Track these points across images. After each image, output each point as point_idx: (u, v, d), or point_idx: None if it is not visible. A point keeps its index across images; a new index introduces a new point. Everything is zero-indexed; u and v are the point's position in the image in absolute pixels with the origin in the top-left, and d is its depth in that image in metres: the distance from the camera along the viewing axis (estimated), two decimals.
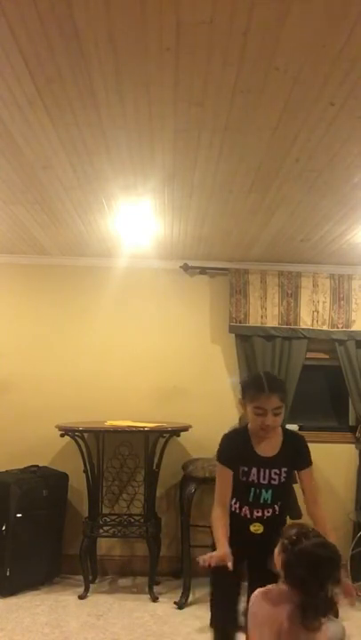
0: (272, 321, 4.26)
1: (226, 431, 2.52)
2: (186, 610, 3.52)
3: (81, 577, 3.78)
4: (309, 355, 4.32)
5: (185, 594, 3.61)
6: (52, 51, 1.81)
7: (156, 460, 3.86)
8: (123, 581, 4.01)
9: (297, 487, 3.92)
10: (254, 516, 2.31)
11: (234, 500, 2.33)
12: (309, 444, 2.49)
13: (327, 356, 4.42)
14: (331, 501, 4.27)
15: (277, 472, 2.32)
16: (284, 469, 2.33)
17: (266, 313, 4.28)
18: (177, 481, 4.14)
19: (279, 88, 1.97)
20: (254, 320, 4.26)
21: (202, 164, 2.60)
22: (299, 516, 3.84)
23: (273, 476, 2.30)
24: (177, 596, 3.62)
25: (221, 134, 2.31)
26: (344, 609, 3.54)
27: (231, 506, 2.33)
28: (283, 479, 2.32)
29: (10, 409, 4.23)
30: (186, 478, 3.88)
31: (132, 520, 3.84)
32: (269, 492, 2.30)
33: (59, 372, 4.28)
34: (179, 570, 3.90)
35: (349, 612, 3.51)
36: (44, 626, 3.21)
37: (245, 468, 2.30)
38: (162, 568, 3.94)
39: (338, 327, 4.28)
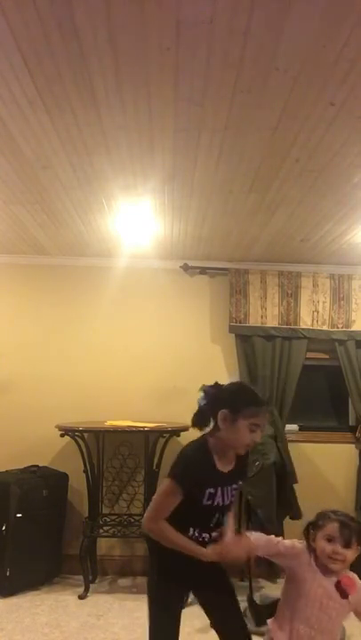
0: (272, 321, 4.26)
1: (184, 447, 2.22)
2: (186, 610, 3.50)
3: (81, 577, 3.78)
4: (309, 355, 4.32)
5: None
6: (52, 51, 1.81)
7: (156, 460, 3.86)
8: (123, 581, 4.01)
9: (299, 486, 3.94)
10: (211, 539, 2.06)
11: (192, 530, 2.03)
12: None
13: (327, 356, 4.42)
14: (331, 501, 4.26)
15: (235, 487, 2.11)
16: (236, 485, 2.12)
17: (266, 313, 4.28)
18: None
19: (279, 88, 1.97)
20: (254, 320, 4.26)
21: (202, 164, 2.60)
22: (299, 516, 3.85)
23: (232, 492, 2.09)
24: None
25: (221, 134, 2.31)
26: None
27: (187, 533, 2.02)
28: (234, 494, 2.13)
29: (10, 409, 4.22)
30: None
31: (132, 520, 3.84)
32: (226, 511, 2.09)
33: (59, 372, 4.28)
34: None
35: None
36: (43, 626, 3.21)
37: (212, 490, 2.02)
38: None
39: (338, 327, 4.28)
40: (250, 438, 2.02)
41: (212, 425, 2.15)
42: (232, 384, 2.32)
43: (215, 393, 2.20)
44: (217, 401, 2.14)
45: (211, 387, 2.25)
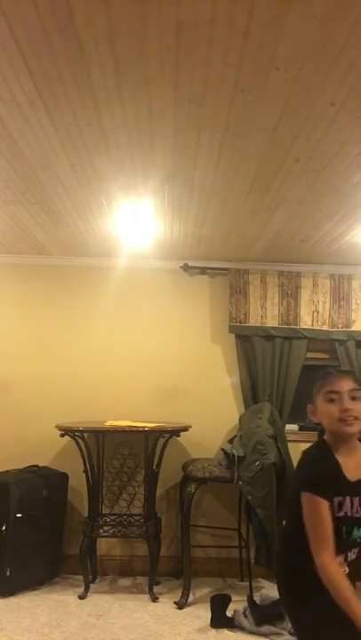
0: (272, 321, 4.26)
1: (307, 449, 1.92)
2: (186, 610, 3.52)
3: (81, 577, 3.78)
4: (309, 355, 4.32)
5: (185, 594, 3.61)
6: (52, 51, 1.81)
7: (156, 460, 3.86)
8: (123, 581, 4.01)
9: None
10: (348, 561, 1.81)
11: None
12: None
13: (327, 356, 4.42)
14: None
15: None
16: None
17: (266, 313, 4.28)
18: (177, 481, 4.14)
19: (279, 88, 1.97)
20: (254, 320, 4.27)
21: (202, 164, 2.61)
22: None
23: None
24: (177, 596, 3.62)
25: (221, 134, 2.31)
26: None
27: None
28: None
29: (10, 409, 4.23)
30: (186, 478, 3.87)
31: (132, 520, 3.84)
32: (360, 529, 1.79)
33: (59, 372, 4.28)
34: (179, 570, 3.90)
35: None
36: (43, 626, 3.21)
37: (341, 498, 1.75)
38: (162, 568, 3.94)
39: (338, 327, 4.28)
40: (335, 410, 1.79)
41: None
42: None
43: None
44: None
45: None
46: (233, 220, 3.37)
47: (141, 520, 3.81)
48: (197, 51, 1.79)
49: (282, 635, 3.12)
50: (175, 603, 3.57)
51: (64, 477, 4.05)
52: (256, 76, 1.91)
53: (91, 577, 3.83)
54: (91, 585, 3.78)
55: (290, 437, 4.18)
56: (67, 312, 4.36)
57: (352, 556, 1.82)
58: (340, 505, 1.75)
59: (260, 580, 3.99)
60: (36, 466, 4.01)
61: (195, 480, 3.74)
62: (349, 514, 1.75)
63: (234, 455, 3.69)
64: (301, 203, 3.04)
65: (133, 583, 3.98)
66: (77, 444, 3.80)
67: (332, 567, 1.68)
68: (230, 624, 3.27)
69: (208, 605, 3.42)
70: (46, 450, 4.13)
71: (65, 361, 4.29)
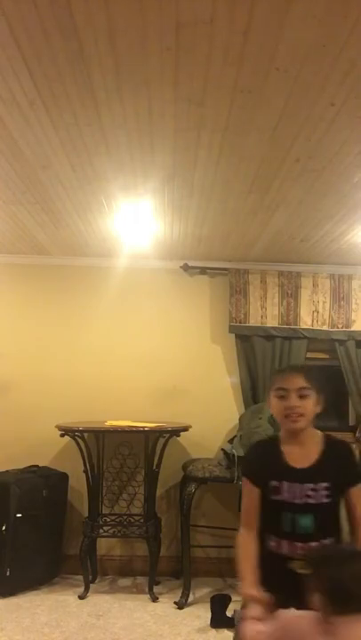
0: (272, 321, 4.26)
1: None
2: (186, 610, 3.52)
3: (81, 577, 3.78)
4: (309, 355, 4.32)
5: (185, 594, 3.61)
6: (52, 51, 1.81)
7: (156, 460, 3.86)
8: (123, 581, 4.01)
9: None
10: (296, 555, 1.81)
11: (268, 535, 1.86)
12: None
13: (327, 356, 4.42)
14: None
15: (313, 488, 1.83)
16: (323, 484, 1.83)
17: (266, 313, 4.28)
18: (177, 481, 4.14)
19: (279, 88, 1.97)
20: (254, 320, 4.26)
21: (202, 164, 2.60)
22: None
23: (309, 492, 1.82)
24: (177, 596, 3.62)
25: (221, 134, 2.31)
26: None
27: (267, 545, 1.86)
28: (324, 499, 1.82)
29: (10, 409, 4.22)
30: (186, 478, 3.87)
31: (132, 520, 3.84)
32: (310, 517, 1.82)
33: (59, 372, 4.28)
34: (179, 570, 3.90)
35: None
36: (43, 626, 3.21)
37: (275, 483, 1.86)
38: (162, 568, 3.94)
39: (338, 327, 4.28)
40: (282, 406, 1.89)
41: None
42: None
43: None
44: None
45: None
46: (233, 220, 3.37)
47: (141, 520, 3.81)
48: (197, 50, 1.79)
49: None
50: (175, 603, 3.57)
51: (64, 477, 4.05)
52: (256, 76, 1.91)
53: (91, 577, 3.84)
54: (91, 585, 3.78)
55: None
56: (67, 312, 4.36)
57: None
58: (276, 489, 1.86)
59: None
60: (36, 466, 4.01)
61: (195, 480, 3.74)
62: (288, 499, 1.83)
63: (234, 455, 3.69)
64: (301, 203, 3.04)
65: (133, 583, 3.98)
66: (77, 444, 3.80)
67: (240, 539, 1.89)
68: (230, 624, 3.26)
69: (208, 605, 3.41)
70: (46, 450, 4.13)
71: (65, 361, 4.29)
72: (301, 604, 1.48)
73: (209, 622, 3.28)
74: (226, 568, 4.06)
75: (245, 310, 4.27)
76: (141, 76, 1.93)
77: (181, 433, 3.87)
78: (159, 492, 4.05)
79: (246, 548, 1.87)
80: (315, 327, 4.27)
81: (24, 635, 3.10)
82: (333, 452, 1.91)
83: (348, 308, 4.30)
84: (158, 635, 3.14)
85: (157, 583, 3.84)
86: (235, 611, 3.20)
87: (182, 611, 3.50)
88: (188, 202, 3.09)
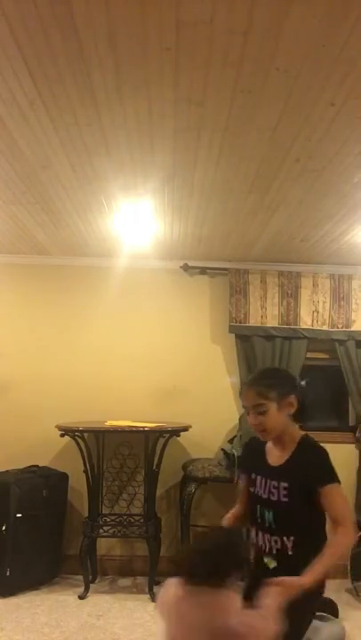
0: (272, 321, 4.26)
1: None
2: None
3: (81, 577, 3.78)
4: (309, 355, 4.32)
5: None
6: (52, 51, 1.81)
7: (156, 460, 3.86)
8: (123, 581, 4.01)
9: None
10: (266, 547, 1.90)
11: (249, 525, 2.00)
12: None
13: (327, 356, 4.42)
14: None
15: (276, 486, 1.89)
16: (283, 484, 1.88)
17: (266, 313, 4.28)
18: (177, 481, 4.14)
19: (279, 88, 1.97)
20: (254, 320, 4.26)
21: (202, 164, 2.60)
22: None
23: (272, 489, 1.90)
24: None
25: (221, 134, 2.31)
26: (344, 609, 3.56)
27: (251, 533, 1.98)
28: (282, 497, 1.87)
29: (10, 409, 4.22)
30: (186, 478, 3.88)
31: (132, 520, 3.84)
32: (271, 512, 1.89)
33: (59, 372, 4.28)
34: None
35: (349, 612, 3.52)
36: (43, 626, 3.21)
37: (255, 475, 1.99)
38: (162, 568, 3.94)
39: (338, 327, 4.28)
40: (249, 420, 1.98)
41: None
42: None
43: None
44: None
45: None
46: (233, 220, 3.37)
47: (141, 520, 3.81)
48: (197, 51, 1.79)
49: None
50: None
51: (64, 477, 4.05)
52: (256, 76, 1.91)
53: (91, 577, 3.84)
54: (91, 585, 3.78)
55: None
56: (67, 312, 4.36)
57: (275, 545, 1.88)
58: (253, 482, 1.99)
59: None
60: (36, 466, 4.01)
61: (195, 480, 3.74)
62: (258, 493, 1.95)
63: (234, 455, 3.69)
64: (301, 203, 3.04)
65: (133, 583, 3.98)
66: (77, 444, 3.80)
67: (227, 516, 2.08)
68: None
69: None
70: (46, 450, 4.13)
71: (65, 361, 4.29)
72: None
73: None
74: None
75: (245, 310, 4.27)
76: (141, 77, 1.93)
77: (181, 433, 3.87)
78: (159, 492, 4.05)
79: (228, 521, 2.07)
80: (315, 327, 4.27)
81: (24, 635, 3.10)
82: (302, 455, 1.92)
83: (348, 308, 4.30)
84: (158, 635, 3.14)
85: (157, 583, 3.84)
86: None
87: None
88: (188, 202, 3.09)
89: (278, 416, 1.92)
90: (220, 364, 4.37)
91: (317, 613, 3.27)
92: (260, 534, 1.93)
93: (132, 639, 3.09)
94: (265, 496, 1.92)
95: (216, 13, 1.62)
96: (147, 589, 3.72)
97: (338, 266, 4.28)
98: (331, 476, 1.86)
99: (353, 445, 4.32)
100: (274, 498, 1.89)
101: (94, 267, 4.36)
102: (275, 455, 1.97)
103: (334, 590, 3.86)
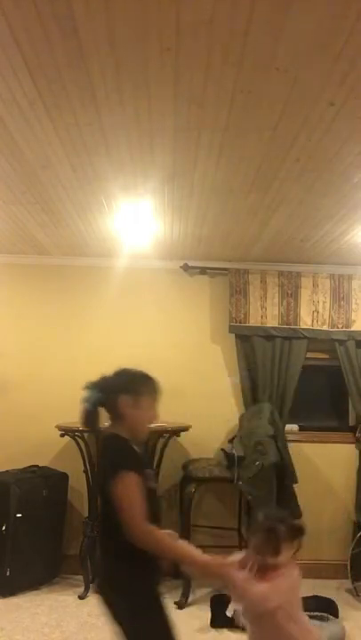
0: (272, 321, 4.26)
1: (110, 439, 2.11)
2: (186, 610, 3.52)
3: (81, 577, 3.78)
4: (309, 355, 4.32)
5: (185, 594, 3.61)
6: (52, 51, 1.81)
7: (156, 460, 3.85)
8: None
9: (299, 486, 3.93)
10: None
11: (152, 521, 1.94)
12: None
13: (327, 356, 4.42)
14: (331, 501, 4.27)
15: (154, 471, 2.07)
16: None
17: (266, 313, 4.28)
18: (177, 481, 4.14)
19: (279, 88, 1.97)
20: (254, 320, 4.26)
21: (202, 164, 2.60)
22: (299, 516, 3.85)
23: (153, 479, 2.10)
24: (177, 596, 3.62)
25: (221, 134, 2.31)
26: (344, 609, 3.56)
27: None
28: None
29: (10, 409, 4.22)
30: (186, 478, 3.88)
31: None
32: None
33: (59, 372, 4.28)
34: (179, 570, 3.90)
35: (349, 612, 3.52)
36: (43, 626, 3.21)
37: (149, 471, 2.06)
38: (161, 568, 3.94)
39: (338, 327, 4.28)
40: (153, 415, 2.11)
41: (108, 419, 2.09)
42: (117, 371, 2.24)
43: (103, 385, 2.16)
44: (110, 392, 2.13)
45: (95, 382, 2.21)
46: (233, 220, 3.37)
47: None
48: (197, 51, 1.78)
49: None
50: (175, 603, 3.57)
51: (64, 477, 4.05)
52: (256, 76, 1.91)
53: (91, 577, 3.83)
54: (91, 585, 3.77)
55: (290, 437, 4.18)
56: (67, 312, 4.36)
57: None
58: (149, 475, 1.99)
59: None
60: (36, 466, 4.01)
61: (195, 480, 3.74)
62: (153, 486, 2.00)
63: (234, 455, 3.69)
64: (301, 203, 3.04)
65: None
66: (77, 444, 3.80)
67: (157, 533, 1.88)
68: (230, 624, 3.27)
69: (208, 605, 3.42)
70: (46, 450, 4.13)
71: (65, 361, 4.29)
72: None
73: (209, 622, 3.30)
74: None
75: (245, 310, 4.27)
76: (141, 77, 1.93)
77: (181, 433, 3.87)
78: (159, 491, 4.05)
79: (166, 538, 1.93)
80: (315, 327, 4.27)
81: (24, 635, 3.10)
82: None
83: (348, 308, 4.30)
84: None
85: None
86: (235, 611, 3.20)
87: (182, 611, 3.50)
88: (188, 202, 3.09)
89: None
90: (220, 364, 4.36)
91: (317, 613, 3.27)
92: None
93: None
94: (154, 486, 2.03)
95: (216, 13, 1.62)
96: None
97: (338, 266, 4.28)
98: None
99: (353, 445, 4.31)
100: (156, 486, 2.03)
101: (94, 267, 4.36)
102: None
103: (334, 590, 3.86)
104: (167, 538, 1.91)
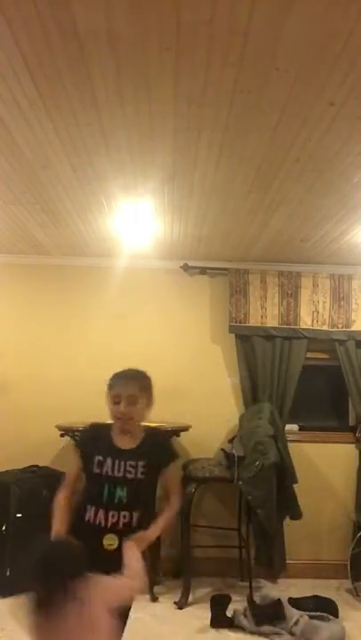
0: (272, 321, 4.26)
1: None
2: (186, 610, 3.52)
3: None
4: (309, 355, 4.32)
5: (185, 594, 3.61)
6: (52, 51, 1.81)
7: None
8: None
9: (299, 486, 3.93)
10: (109, 523, 2.13)
11: (89, 506, 2.19)
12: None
13: (327, 356, 4.42)
14: (331, 501, 4.27)
15: (133, 465, 2.17)
16: (141, 463, 2.18)
17: (266, 313, 4.28)
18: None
19: (279, 88, 1.97)
20: (254, 320, 4.26)
21: (202, 164, 2.60)
22: (299, 516, 3.85)
23: (128, 468, 2.17)
24: (177, 596, 3.62)
25: (221, 134, 2.31)
26: (344, 609, 3.56)
27: (85, 515, 2.19)
28: (140, 475, 2.17)
29: (10, 409, 4.22)
30: (186, 478, 3.87)
31: None
32: (125, 489, 2.15)
33: (59, 372, 4.28)
34: (179, 570, 3.90)
35: (349, 612, 3.52)
36: None
37: (100, 458, 2.19)
38: (162, 568, 3.94)
39: (338, 327, 4.28)
40: (116, 410, 2.23)
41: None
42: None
43: None
44: None
45: None
46: (233, 220, 3.37)
47: None
48: (197, 51, 1.79)
49: (282, 635, 3.12)
50: (175, 603, 3.57)
51: (64, 477, 4.04)
52: (256, 76, 1.91)
53: None
54: None
55: (290, 437, 4.19)
56: (67, 312, 4.36)
57: (123, 519, 2.14)
58: (100, 464, 2.18)
59: (260, 580, 3.99)
60: (36, 466, 4.00)
61: (195, 480, 3.74)
62: (110, 473, 2.16)
63: (234, 455, 3.69)
64: (301, 203, 3.04)
65: None
66: None
67: (60, 497, 2.31)
68: (230, 624, 3.27)
69: (208, 605, 3.42)
70: (46, 450, 4.13)
71: (65, 361, 4.29)
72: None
73: (209, 622, 3.30)
74: (226, 568, 4.07)
75: (245, 310, 4.27)
76: (141, 77, 1.93)
77: (181, 433, 3.87)
78: (159, 492, 4.04)
79: (63, 505, 2.29)
80: (315, 327, 4.27)
81: (24, 635, 3.10)
82: (152, 440, 2.28)
83: (348, 308, 4.30)
84: (158, 635, 3.14)
85: (157, 583, 3.84)
86: (235, 611, 3.22)
87: (182, 611, 3.50)
88: (188, 202, 3.09)
89: (144, 410, 2.27)
90: (220, 363, 4.36)
91: (317, 613, 3.27)
92: (101, 512, 2.14)
93: (132, 639, 3.09)
94: (119, 474, 2.15)
95: (216, 13, 1.62)
96: (147, 589, 3.71)
97: (338, 266, 4.28)
98: (174, 457, 2.30)
99: (353, 445, 4.31)
100: (131, 475, 2.16)
101: (94, 267, 4.36)
102: (124, 440, 2.23)
103: (334, 590, 3.86)
104: (58, 506, 2.27)
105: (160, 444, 2.33)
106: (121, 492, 2.15)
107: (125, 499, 2.15)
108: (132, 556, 1.96)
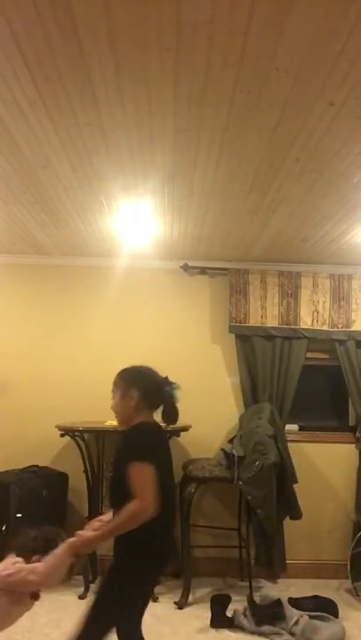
0: (272, 321, 4.26)
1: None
2: (186, 610, 3.52)
3: (81, 577, 3.77)
4: (309, 355, 4.32)
5: (185, 594, 3.61)
6: (51, 51, 1.81)
7: None
8: None
9: (299, 486, 3.93)
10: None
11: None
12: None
13: (327, 356, 4.42)
14: (331, 501, 4.27)
15: (112, 462, 2.24)
16: (111, 460, 2.24)
17: (266, 313, 4.28)
18: (177, 481, 4.13)
19: (279, 88, 1.97)
20: (254, 320, 4.26)
21: (202, 164, 2.61)
22: (299, 516, 3.85)
23: (113, 465, 2.24)
24: (177, 596, 3.62)
25: (221, 134, 2.31)
26: (344, 609, 3.56)
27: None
28: (112, 473, 2.21)
29: (10, 409, 4.22)
30: (186, 478, 3.87)
31: None
32: (108, 488, 2.27)
33: (59, 373, 4.28)
34: (179, 570, 3.90)
35: (349, 612, 3.52)
36: (43, 626, 3.21)
37: None
38: None
39: (338, 327, 4.28)
40: None
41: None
42: None
43: None
44: None
45: None
46: (233, 219, 3.37)
47: None
48: (197, 51, 1.79)
49: (282, 635, 3.12)
50: (175, 603, 3.57)
51: (64, 477, 4.05)
52: (256, 76, 1.91)
53: (91, 577, 3.83)
54: (91, 585, 3.77)
55: (290, 437, 4.19)
56: (67, 312, 4.36)
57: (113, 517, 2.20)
58: None
59: (260, 580, 3.99)
60: (36, 466, 4.00)
61: (195, 480, 3.74)
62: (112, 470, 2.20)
63: (234, 455, 3.69)
64: (301, 203, 3.04)
65: None
66: (77, 444, 3.80)
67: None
68: (230, 624, 3.27)
69: (208, 605, 3.42)
70: (46, 450, 4.13)
71: (65, 361, 4.29)
72: None
73: (209, 622, 3.30)
74: (226, 568, 4.07)
75: (245, 310, 4.27)
76: (141, 77, 1.93)
77: (181, 433, 3.87)
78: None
79: None
80: (315, 327, 4.27)
81: (24, 635, 3.10)
82: (124, 435, 2.24)
83: (348, 308, 4.30)
84: (158, 635, 3.14)
85: (157, 583, 3.84)
86: (235, 611, 3.22)
87: (182, 611, 3.50)
88: (188, 202, 3.09)
89: (121, 403, 2.30)
90: (220, 363, 4.36)
91: (317, 613, 3.27)
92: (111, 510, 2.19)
93: None
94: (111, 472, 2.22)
95: (216, 13, 1.62)
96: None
97: (338, 266, 4.28)
98: (137, 455, 2.04)
99: (353, 445, 4.31)
100: (109, 474, 2.24)
101: (94, 267, 4.36)
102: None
103: (334, 590, 3.87)
104: None
105: (126, 441, 2.21)
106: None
107: (108, 497, 2.25)
108: (59, 549, 2.09)
